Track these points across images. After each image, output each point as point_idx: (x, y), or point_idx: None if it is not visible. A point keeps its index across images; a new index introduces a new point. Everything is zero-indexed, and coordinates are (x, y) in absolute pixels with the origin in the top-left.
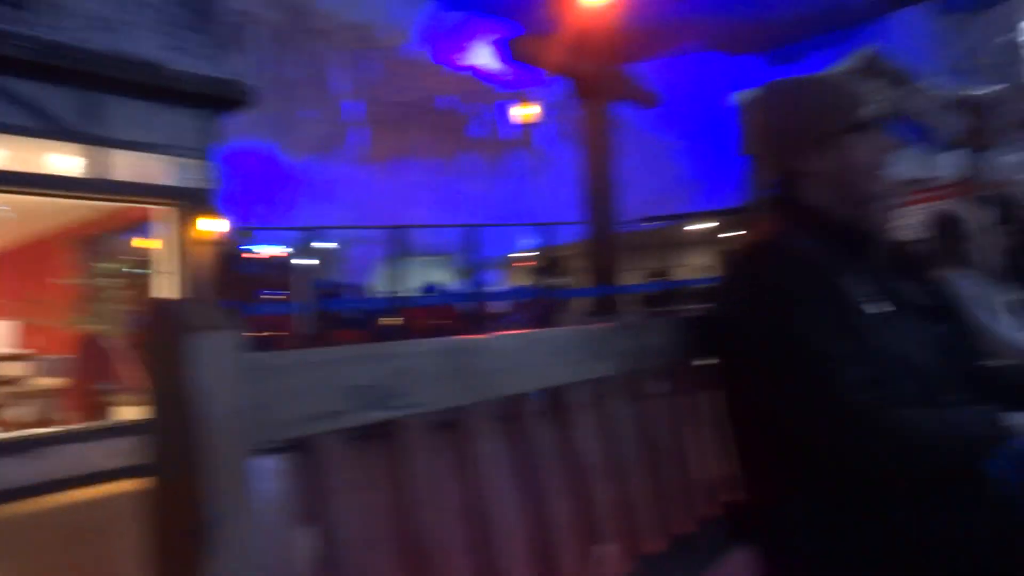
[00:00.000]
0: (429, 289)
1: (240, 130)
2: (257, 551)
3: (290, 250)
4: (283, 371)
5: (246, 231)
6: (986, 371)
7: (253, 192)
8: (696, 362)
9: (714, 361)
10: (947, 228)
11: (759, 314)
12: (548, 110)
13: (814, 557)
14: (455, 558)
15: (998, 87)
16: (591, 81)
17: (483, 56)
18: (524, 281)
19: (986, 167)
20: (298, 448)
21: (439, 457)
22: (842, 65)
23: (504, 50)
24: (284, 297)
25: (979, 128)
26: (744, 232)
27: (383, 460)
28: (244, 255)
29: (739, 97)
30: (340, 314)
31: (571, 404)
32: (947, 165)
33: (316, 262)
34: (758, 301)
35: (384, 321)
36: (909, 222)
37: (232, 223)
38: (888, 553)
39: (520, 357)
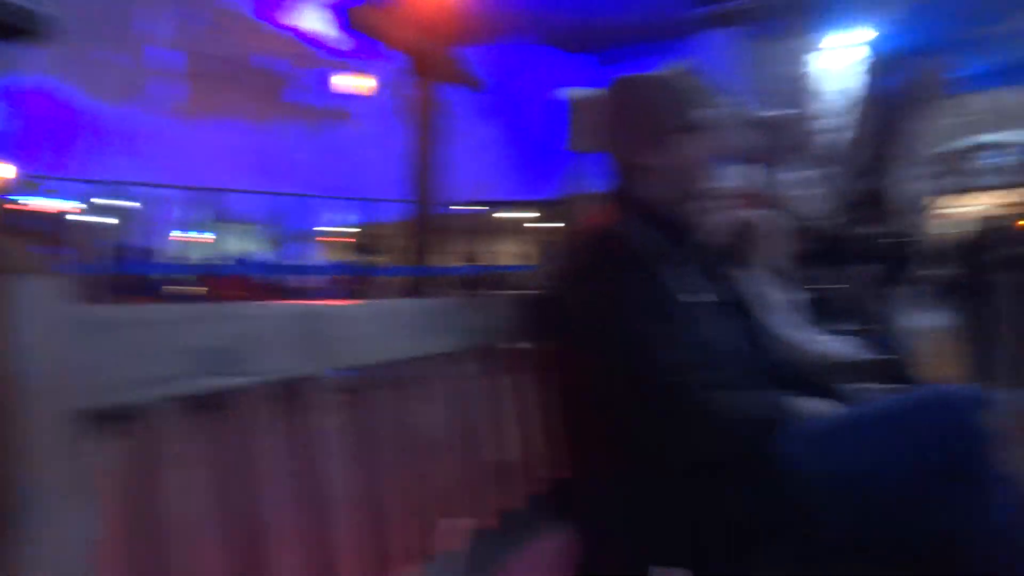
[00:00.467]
0: (237, 259)
1: (29, 66)
2: (82, 532)
3: (84, 206)
4: (117, 327)
5: (33, 179)
6: (776, 361)
7: (45, 137)
8: (527, 343)
9: (546, 342)
10: (741, 232)
11: (589, 298)
12: (380, 85)
13: (615, 531)
14: (289, 534)
15: (785, 112)
16: (425, 60)
17: (310, 19)
18: (337, 256)
19: (772, 181)
20: (125, 416)
21: (277, 430)
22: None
23: (343, 17)
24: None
25: (769, 146)
26: (571, 222)
27: (218, 432)
28: (11, 206)
29: (570, 94)
30: (134, 280)
31: (409, 378)
32: (741, 176)
33: (115, 221)
34: (588, 285)
35: (183, 289)
36: (714, 223)
37: (17, 169)
38: (684, 528)
39: (368, 327)
